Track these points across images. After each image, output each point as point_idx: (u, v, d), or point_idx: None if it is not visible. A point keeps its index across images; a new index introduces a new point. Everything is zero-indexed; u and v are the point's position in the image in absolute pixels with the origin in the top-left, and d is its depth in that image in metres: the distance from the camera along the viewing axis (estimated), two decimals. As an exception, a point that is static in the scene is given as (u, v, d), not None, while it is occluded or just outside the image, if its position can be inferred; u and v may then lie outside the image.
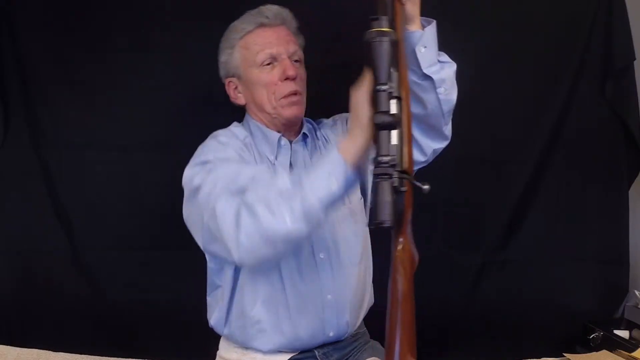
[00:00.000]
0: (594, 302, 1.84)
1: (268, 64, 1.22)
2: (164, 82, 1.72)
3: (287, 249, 1.09)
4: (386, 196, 0.86)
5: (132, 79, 1.73)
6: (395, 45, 0.93)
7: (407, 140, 0.92)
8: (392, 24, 0.96)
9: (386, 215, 0.86)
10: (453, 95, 1.14)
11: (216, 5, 1.70)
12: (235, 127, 1.30)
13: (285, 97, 1.23)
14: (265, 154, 1.27)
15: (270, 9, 1.25)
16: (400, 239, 0.94)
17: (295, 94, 1.23)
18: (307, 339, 1.25)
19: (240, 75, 1.26)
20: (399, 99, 0.91)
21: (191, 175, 1.17)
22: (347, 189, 0.99)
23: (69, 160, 1.75)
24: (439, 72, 1.09)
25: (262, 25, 1.23)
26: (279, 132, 1.27)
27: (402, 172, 0.90)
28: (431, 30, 1.07)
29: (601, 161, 1.82)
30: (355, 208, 1.32)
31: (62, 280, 1.76)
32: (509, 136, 1.81)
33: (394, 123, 0.89)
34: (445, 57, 1.12)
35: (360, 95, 0.97)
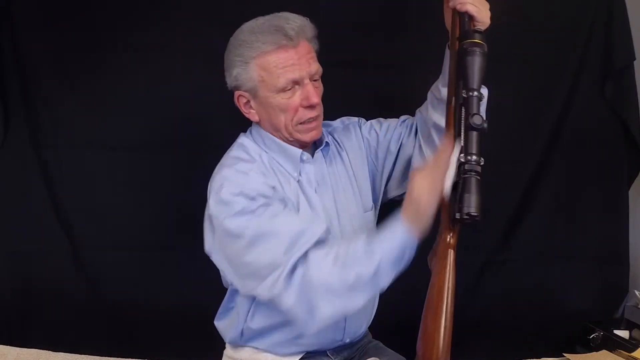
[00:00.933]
0: (594, 302, 1.84)
1: (289, 89, 1.14)
2: (164, 82, 1.73)
3: None
4: (476, 191, 0.95)
5: (132, 79, 1.73)
6: (486, 56, 1.03)
7: None
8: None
9: (477, 209, 0.95)
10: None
11: (217, 5, 1.70)
12: (248, 145, 1.22)
13: (304, 123, 1.17)
14: (287, 171, 1.21)
15: (292, 25, 1.13)
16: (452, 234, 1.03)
17: (314, 118, 1.18)
18: (325, 343, 1.26)
19: (256, 94, 1.17)
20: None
21: (218, 214, 1.12)
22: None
23: (69, 160, 1.75)
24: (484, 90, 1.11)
25: (282, 45, 1.12)
26: (298, 147, 1.21)
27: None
28: (485, 92, 1.13)
29: (601, 161, 1.82)
30: (372, 216, 1.33)
31: (62, 280, 1.76)
32: (509, 136, 1.81)
33: (484, 126, 0.98)
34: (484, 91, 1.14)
35: (422, 182, 1.00)
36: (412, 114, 1.31)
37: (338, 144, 1.31)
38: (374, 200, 1.34)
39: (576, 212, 1.84)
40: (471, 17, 1.10)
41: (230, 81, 1.19)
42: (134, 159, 1.76)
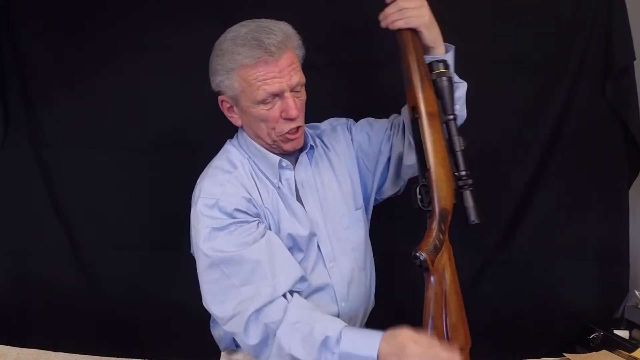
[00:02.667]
0: (594, 302, 1.84)
1: (269, 101, 1.16)
2: (165, 82, 1.73)
3: None
4: (472, 201, 1.11)
5: (132, 79, 1.73)
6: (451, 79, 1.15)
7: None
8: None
9: (477, 216, 1.11)
10: (464, 112, 1.27)
11: (217, 5, 1.70)
12: (232, 151, 1.26)
13: (284, 134, 1.19)
14: (268, 177, 1.24)
15: (273, 40, 1.12)
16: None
17: (295, 129, 1.19)
18: None
19: (238, 102, 1.20)
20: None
21: (196, 223, 1.16)
22: None
23: (69, 160, 1.75)
24: (455, 92, 1.17)
25: (262, 60, 1.13)
26: (278, 154, 1.24)
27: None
28: (451, 55, 1.19)
29: (601, 161, 1.82)
30: (363, 214, 1.35)
31: (62, 280, 1.76)
32: (509, 136, 1.81)
33: (466, 147, 1.13)
34: (457, 78, 1.21)
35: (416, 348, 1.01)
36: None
37: (325, 146, 1.34)
38: (365, 199, 1.36)
39: (576, 212, 1.83)
40: (410, 30, 1.14)
41: (214, 86, 1.22)
42: (134, 159, 1.76)
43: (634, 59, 1.77)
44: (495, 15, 1.77)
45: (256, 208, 1.18)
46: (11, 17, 1.70)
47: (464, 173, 1.12)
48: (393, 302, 1.72)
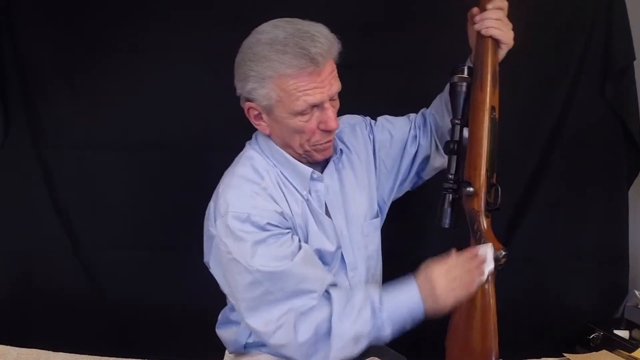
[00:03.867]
0: (594, 302, 1.84)
1: (308, 112, 1.08)
2: (165, 82, 1.73)
3: None
4: (446, 205, 1.13)
5: (132, 79, 1.73)
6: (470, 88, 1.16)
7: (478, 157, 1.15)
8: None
9: (445, 221, 1.14)
10: None
11: (218, 5, 1.70)
12: (256, 158, 1.17)
13: (318, 144, 1.13)
14: (296, 188, 1.16)
15: (319, 50, 1.03)
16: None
17: (330, 142, 1.15)
18: None
19: (271, 111, 1.10)
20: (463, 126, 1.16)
21: (223, 234, 1.09)
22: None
23: (69, 160, 1.75)
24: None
25: (306, 69, 1.04)
26: (306, 163, 1.17)
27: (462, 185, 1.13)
28: None
29: (601, 161, 1.82)
30: (379, 222, 1.33)
31: (62, 280, 1.76)
32: (509, 136, 1.80)
33: (457, 151, 1.15)
34: None
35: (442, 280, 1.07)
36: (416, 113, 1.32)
37: (347, 147, 1.27)
38: (380, 202, 1.33)
39: (576, 212, 1.83)
40: (496, 40, 1.15)
41: (242, 92, 1.12)
42: (134, 159, 1.76)
43: (634, 59, 1.77)
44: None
45: (287, 221, 1.12)
46: (11, 17, 1.70)
47: (451, 177, 1.15)
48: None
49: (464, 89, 1.15)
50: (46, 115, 1.74)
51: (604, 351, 1.61)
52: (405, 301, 1.07)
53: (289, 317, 1.07)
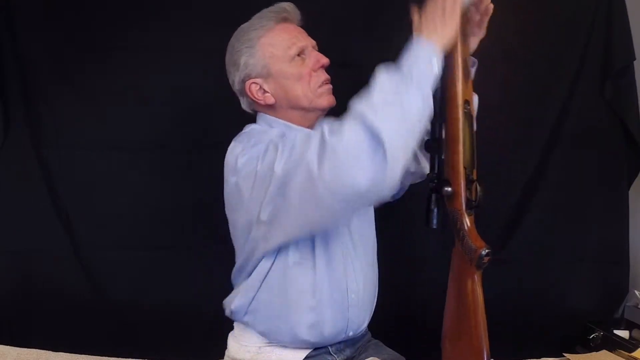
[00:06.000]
0: (594, 302, 1.84)
1: (299, 56, 1.21)
2: (164, 82, 1.73)
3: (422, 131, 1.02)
4: (432, 205, 1.12)
5: (132, 79, 1.73)
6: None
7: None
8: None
9: (432, 222, 1.13)
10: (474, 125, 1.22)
11: (218, 5, 1.70)
12: (255, 127, 1.26)
13: (320, 86, 1.23)
14: None
15: (289, 5, 1.23)
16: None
17: (328, 81, 1.24)
18: (329, 337, 1.25)
19: (269, 72, 1.21)
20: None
21: (243, 162, 1.13)
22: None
23: (69, 160, 1.75)
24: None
25: (284, 20, 1.21)
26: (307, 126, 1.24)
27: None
28: (474, 70, 1.19)
29: (601, 161, 1.82)
30: (372, 211, 1.35)
31: (62, 280, 1.76)
32: (509, 136, 1.81)
33: (439, 149, 1.12)
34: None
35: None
36: None
37: None
38: None
39: (576, 212, 1.83)
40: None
41: (238, 75, 1.22)
42: (135, 159, 1.76)
43: (634, 59, 1.77)
44: (495, 15, 1.77)
45: None
46: (11, 17, 1.70)
47: (435, 176, 1.13)
48: (395, 300, 1.73)
49: (438, 84, 1.10)
50: (46, 115, 1.74)
51: (604, 351, 1.61)
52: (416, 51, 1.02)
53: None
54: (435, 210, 1.12)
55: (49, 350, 1.58)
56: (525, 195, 1.83)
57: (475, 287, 1.08)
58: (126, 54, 1.72)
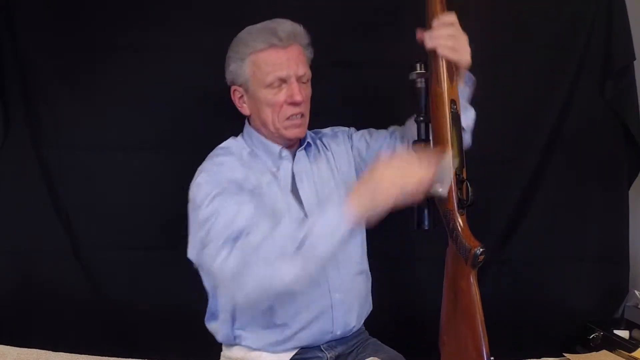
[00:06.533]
0: (594, 302, 1.84)
1: (276, 86, 1.22)
2: (164, 82, 1.73)
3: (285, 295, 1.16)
4: (423, 207, 1.11)
5: (132, 79, 1.73)
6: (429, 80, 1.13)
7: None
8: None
9: (424, 224, 1.13)
10: (469, 141, 1.28)
11: (218, 6, 1.70)
12: (234, 141, 1.32)
13: (289, 118, 1.24)
14: (267, 166, 1.28)
15: (284, 28, 1.22)
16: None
17: (299, 116, 1.25)
18: (314, 338, 1.27)
19: (248, 89, 1.26)
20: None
21: (193, 197, 1.19)
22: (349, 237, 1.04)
23: (69, 160, 1.75)
24: (466, 120, 1.21)
25: (273, 45, 1.21)
26: (280, 144, 1.29)
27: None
28: (470, 87, 1.24)
29: (601, 161, 1.82)
30: None
31: (62, 280, 1.76)
32: (509, 136, 1.81)
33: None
34: (466, 103, 1.23)
35: (387, 173, 1.02)
36: (410, 114, 1.31)
37: (325, 146, 1.38)
38: None
39: (576, 212, 1.83)
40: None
41: (228, 76, 1.28)
42: (134, 159, 1.76)
43: (634, 59, 1.77)
44: (495, 15, 1.77)
45: (251, 186, 1.22)
46: (11, 17, 1.70)
47: None
48: (394, 299, 1.73)
49: (423, 84, 1.13)
50: (46, 115, 1.74)
51: (604, 351, 1.61)
52: (330, 209, 1.04)
53: (217, 242, 1.10)
54: (426, 211, 1.12)
55: (49, 350, 1.58)
56: (525, 195, 1.83)
57: (471, 287, 1.08)
58: (126, 54, 1.72)
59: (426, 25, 1.13)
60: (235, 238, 1.08)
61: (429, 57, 1.13)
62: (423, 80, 1.13)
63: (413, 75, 1.14)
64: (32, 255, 1.76)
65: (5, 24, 1.70)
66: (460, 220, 1.10)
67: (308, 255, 1.02)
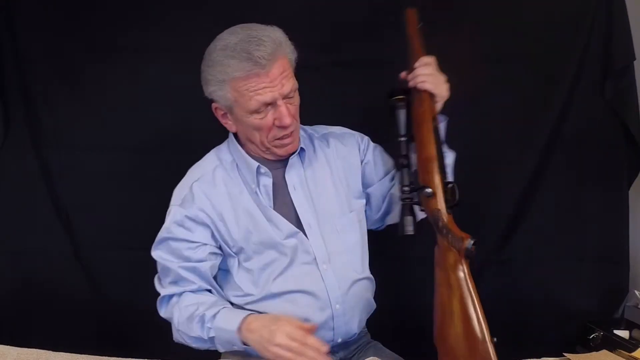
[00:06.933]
0: (594, 302, 1.84)
1: (262, 110, 1.18)
2: (165, 83, 1.73)
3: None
4: (407, 213, 1.21)
5: (132, 79, 1.73)
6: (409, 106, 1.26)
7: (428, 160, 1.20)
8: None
9: (409, 229, 1.21)
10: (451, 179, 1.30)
11: (217, 6, 1.70)
12: (208, 159, 1.32)
13: (279, 139, 1.22)
14: (248, 181, 1.28)
15: (262, 53, 1.13)
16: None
17: (288, 135, 1.22)
18: None
19: (232, 112, 1.22)
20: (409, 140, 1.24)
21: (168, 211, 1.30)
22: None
23: (69, 160, 1.75)
24: (445, 158, 1.25)
25: (253, 72, 1.14)
26: (269, 159, 1.27)
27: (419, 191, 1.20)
28: (443, 126, 1.27)
29: (601, 161, 1.82)
30: (360, 216, 1.35)
31: (62, 280, 1.76)
32: (509, 136, 1.81)
33: (408, 164, 1.23)
34: (446, 148, 1.29)
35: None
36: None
37: (328, 145, 1.35)
38: (367, 201, 1.38)
39: (576, 212, 1.83)
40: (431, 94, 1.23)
41: (207, 94, 1.24)
42: (134, 159, 1.76)
43: (634, 59, 1.77)
44: (495, 15, 1.77)
45: (207, 217, 1.25)
46: (11, 17, 1.70)
47: (406, 189, 1.22)
48: (395, 303, 1.73)
49: (404, 108, 1.25)
50: (46, 115, 1.74)
51: (604, 351, 1.61)
52: (229, 327, 1.17)
53: (160, 293, 1.30)
54: (411, 218, 1.20)
55: (49, 350, 1.57)
56: (526, 195, 1.82)
57: (467, 277, 1.12)
58: (126, 54, 1.72)
59: (409, 66, 1.26)
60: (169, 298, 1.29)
61: (411, 91, 1.25)
62: (404, 104, 1.25)
63: (393, 102, 1.25)
64: (32, 255, 1.76)
65: (5, 24, 1.70)
66: (447, 218, 1.17)
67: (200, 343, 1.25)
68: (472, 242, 1.12)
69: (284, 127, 1.19)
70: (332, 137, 1.37)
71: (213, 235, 1.26)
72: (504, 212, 1.83)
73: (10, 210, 1.76)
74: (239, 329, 1.15)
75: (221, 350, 1.25)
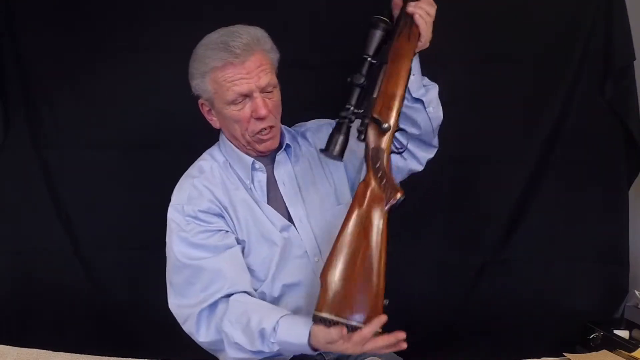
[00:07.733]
0: (594, 302, 1.84)
1: (240, 102, 1.20)
2: (164, 82, 1.72)
3: None
4: (342, 133, 1.12)
5: (132, 79, 1.74)
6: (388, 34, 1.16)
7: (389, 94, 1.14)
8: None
9: (336, 148, 1.12)
10: (439, 113, 1.28)
11: (217, 6, 1.70)
12: (204, 158, 1.32)
13: (259, 133, 1.23)
14: (242, 177, 1.29)
15: (238, 43, 1.17)
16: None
17: (268, 129, 1.23)
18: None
19: (213, 105, 1.25)
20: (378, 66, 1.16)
21: (169, 222, 1.26)
22: None
23: (69, 160, 1.75)
24: (425, 94, 1.23)
25: (229, 62, 1.17)
26: (252, 156, 1.28)
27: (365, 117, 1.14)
28: (416, 60, 1.21)
29: (601, 161, 1.82)
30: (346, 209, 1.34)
31: (62, 280, 1.76)
32: (509, 136, 1.81)
33: (367, 86, 1.16)
34: (427, 81, 1.25)
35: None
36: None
37: (309, 142, 1.37)
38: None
39: (576, 212, 1.83)
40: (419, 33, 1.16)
41: (193, 89, 1.26)
42: (135, 159, 1.76)
43: (634, 59, 1.77)
44: (496, 15, 1.77)
45: (219, 208, 1.24)
46: (11, 17, 1.70)
47: (350, 107, 1.14)
48: (394, 302, 1.73)
49: (382, 31, 1.16)
50: (46, 115, 1.75)
51: (604, 351, 1.61)
52: (298, 342, 1.12)
53: (194, 310, 1.20)
54: (342, 138, 1.12)
55: (49, 350, 1.58)
56: (526, 195, 1.83)
57: (385, 227, 1.10)
58: (126, 54, 1.72)
59: None
60: (207, 309, 1.20)
61: (400, 18, 1.17)
62: (384, 26, 1.16)
63: (375, 20, 1.16)
64: (32, 255, 1.77)
65: (6, 24, 1.70)
66: (386, 161, 1.14)
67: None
68: (402, 198, 1.11)
69: (260, 119, 1.20)
70: (310, 132, 1.38)
71: (227, 225, 1.26)
72: (504, 212, 1.83)
73: (10, 210, 1.76)
74: (309, 343, 1.11)
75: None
